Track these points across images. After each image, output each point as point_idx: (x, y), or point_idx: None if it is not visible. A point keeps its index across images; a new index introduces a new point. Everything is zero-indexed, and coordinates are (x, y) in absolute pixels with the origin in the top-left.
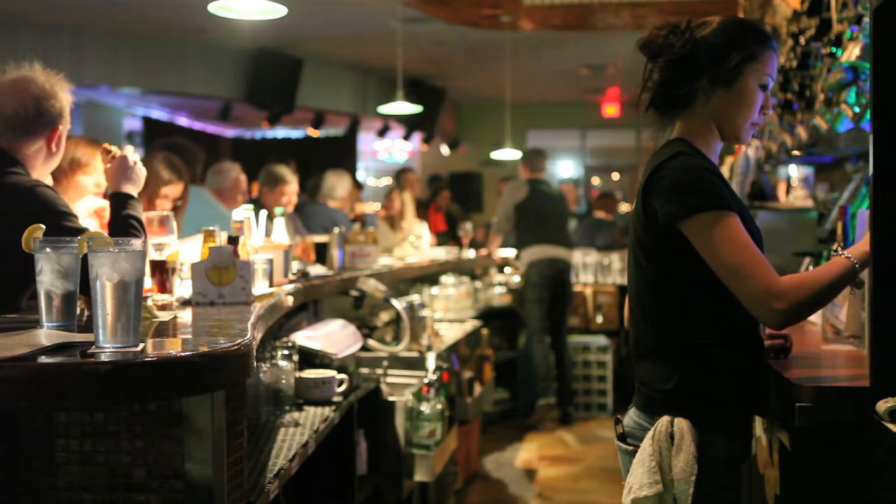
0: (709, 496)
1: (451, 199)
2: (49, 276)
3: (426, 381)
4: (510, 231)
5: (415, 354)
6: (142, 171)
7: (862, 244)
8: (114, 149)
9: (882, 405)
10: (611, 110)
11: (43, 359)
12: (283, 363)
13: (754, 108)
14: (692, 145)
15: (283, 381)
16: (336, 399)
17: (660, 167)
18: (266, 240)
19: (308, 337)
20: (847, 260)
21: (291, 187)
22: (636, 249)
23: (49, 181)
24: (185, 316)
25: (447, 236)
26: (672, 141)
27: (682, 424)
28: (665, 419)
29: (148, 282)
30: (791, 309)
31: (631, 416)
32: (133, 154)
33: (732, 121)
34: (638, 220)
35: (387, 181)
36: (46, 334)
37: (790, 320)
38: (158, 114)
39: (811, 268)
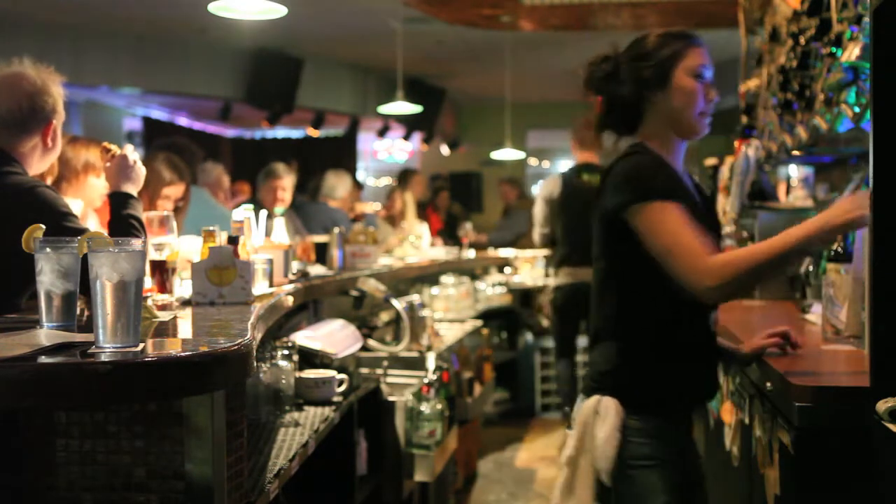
0: (631, 467)
1: (451, 199)
2: (49, 276)
3: (426, 381)
4: (551, 235)
5: (415, 354)
6: (142, 171)
7: (807, 224)
8: (113, 148)
9: (882, 405)
10: None
11: (43, 359)
12: (283, 363)
13: (696, 100)
14: (647, 147)
15: (283, 381)
16: (336, 399)
17: (612, 166)
18: (266, 240)
19: (308, 337)
20: (786, 237)
21: (284, 182)
22: (594, 245)
23: (50, 180)
24: (185, 316)
25: (446, 235)
26: (631, 145)
27: (608, 402)
28: (595, 398)
29: (148, 282)
30: (721, 286)
31: (577, 403)
32: (133, 153)
33: (680, 117)
34: (595, 217)
35: (387, 181)
36: (46, 334)
37: (723, 296)
38: (158, 114)
39: (811, 268)
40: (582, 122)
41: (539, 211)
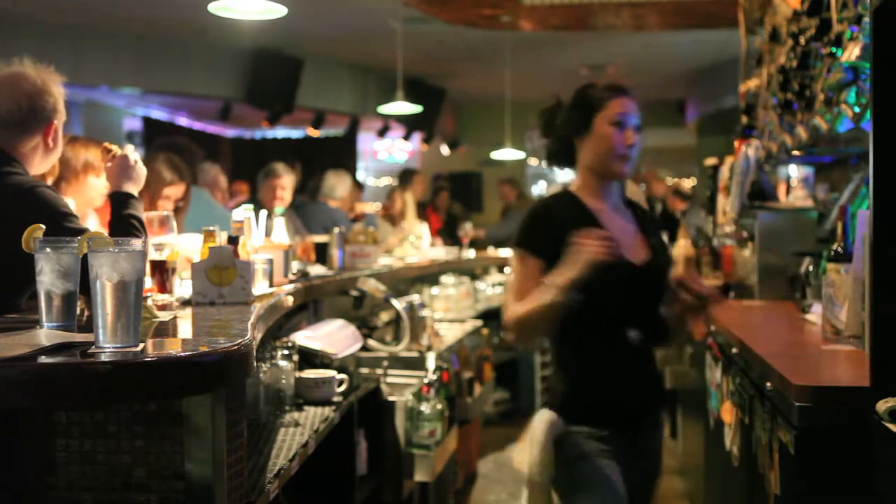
0: (566, 468)
1: (451, 199)
2: (49, 276)
3: (426, 381)
4: None
5: (415, 354)
6: (142, 171)
7: (559, 273)
8: (114, 148)
9: (882, 405)
10: None
11: (43, 359)
12: (283, 363)
13: (613, 145)
14: (569, 191)
15: (283, 381)
16: (336, 399)
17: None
18: (266, 240)
19: (308, 337)
20: (541, 295)
21: (283, 181)
22: None
23: (50, 180)
24: (185, 316)
25: (446, 235)
26: (562, 187)
27: (546, 415)
28: (541, 411)
29: (148, 282)
30: (514, 338)
31: None
32: (133, 153)
33: (599, 160)
34: None
35: (387, 181)
36: (46, 334)
37: (518, 343)
38: (158, 114)
39: (811, 268)
40: None
41: None
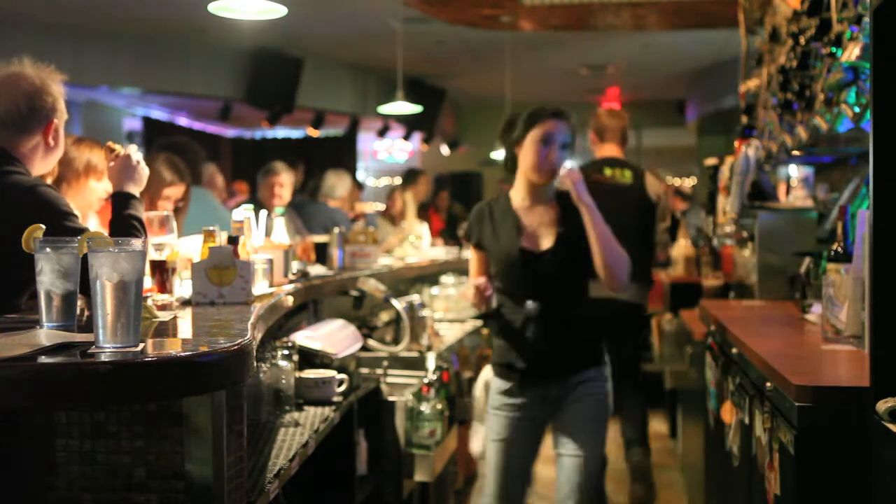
0: (490, 411)
1: (451, 199)
2: (49, 276)
3: (426, 381)
4: None
5: (415, 354)
6: (145, 171)
7: (468, 289)
8: (118, 147)
9: (882, 405)
10: None
11: (43, 359)
12: (283, 363)
13: (537, 158)
14: (507, 193)
15: (283, 381)
16: (336, 399)
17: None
18: (266, 240)
19: (308, 337)
20: (468, 291)
21: (281, 178)
22: None
23: (50, 180)
24: (185, 316)
25: (446, 235)
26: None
27: (485, 370)
28: (486, 367)
29: (148, 282)
30: (474, 306)
31: None
32: (136, 153)
33: (525, 168)
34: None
35: (387, 181)
36: (46, 334)
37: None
38: (158, 114)
39: (811, 268)
40: (603, 113)
41: None
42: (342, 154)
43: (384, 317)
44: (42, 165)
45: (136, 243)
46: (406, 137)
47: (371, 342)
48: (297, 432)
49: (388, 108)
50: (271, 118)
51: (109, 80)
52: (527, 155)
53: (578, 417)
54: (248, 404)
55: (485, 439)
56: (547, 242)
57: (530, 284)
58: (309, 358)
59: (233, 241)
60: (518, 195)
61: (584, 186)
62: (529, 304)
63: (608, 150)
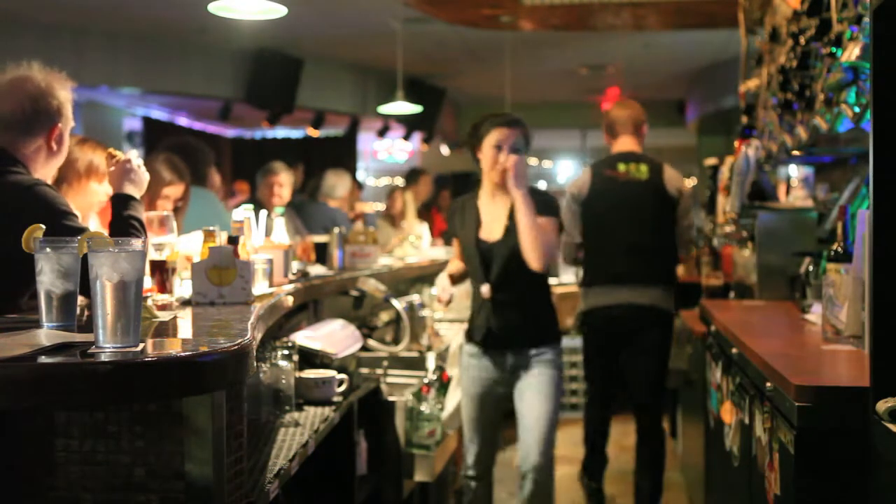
0: (461, 371)
1: (452, 199)
2: (49, 276)
3: (426, 381)
4: (577, 252)
5: (415, 354)
6: (144, 175)
7: (440, 282)
8: (118, 153)
9: (882, 405)
10: None
11: (43, 359)
12: (283, 363)
13: (492, 162)
14: (476, 191)
15: (283, 381)
16: (336, 399)
17: None
18: (266, 240)
19: (308, 337)
20: (441, 281)
21: (280, 178)
22: None
23: (50, 180)
24: (185, 316)
25: (447, 235)
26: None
27: (458, 336)
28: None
29: (148, 282)
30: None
31: None
32: (137, 158)
33: (484, 171)
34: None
35: (387, 181)
36: (46, 334)
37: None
38: (158, 114)
39: (811, 268)
40: (611, 107)
41: (564, 214)
42: (342, 154)
43: (384, 317)
44: (44, 170)
45: (136, 243)
46: (406, 137)
47: (371, 342)
48: (297, 432)
49: (388, 108)
50: (271, 118)
51: (109, 80)
52: (484, 157)
53: (533, 383)
54: (248, 404)
55: (460, 398)
56: (499, 233)
57: (485, 270)
58: (309, 358)
59: (233, 241)
60: (483, 192)
61: (520, 175)
62: (483, 287)
63: (622, 144)
